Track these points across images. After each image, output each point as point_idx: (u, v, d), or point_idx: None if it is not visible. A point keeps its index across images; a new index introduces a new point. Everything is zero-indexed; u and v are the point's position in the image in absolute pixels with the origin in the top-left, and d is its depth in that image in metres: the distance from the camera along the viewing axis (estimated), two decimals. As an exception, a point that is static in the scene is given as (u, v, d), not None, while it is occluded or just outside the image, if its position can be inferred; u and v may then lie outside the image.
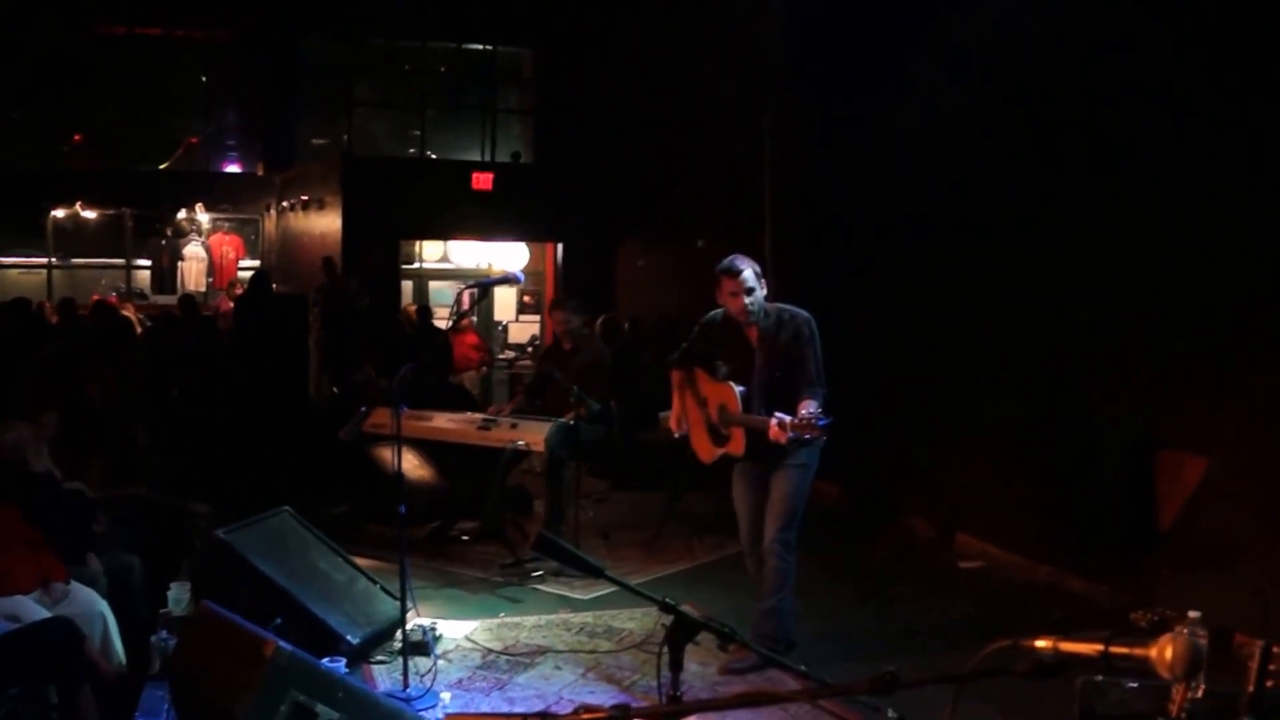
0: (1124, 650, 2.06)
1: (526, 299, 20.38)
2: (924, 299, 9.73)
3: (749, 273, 6.42)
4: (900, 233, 9.97)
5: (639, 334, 13.42)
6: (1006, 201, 8.74)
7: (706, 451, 6.82)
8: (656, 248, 17.51)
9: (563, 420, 8.66)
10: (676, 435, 7.04)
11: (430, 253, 21.26)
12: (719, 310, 6.68)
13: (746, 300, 6.41)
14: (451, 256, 21.18)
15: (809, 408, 6.03)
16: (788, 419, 5.93)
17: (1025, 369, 8.68)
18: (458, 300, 9.24)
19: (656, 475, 10.39)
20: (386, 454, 9.06)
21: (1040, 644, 2.20)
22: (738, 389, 6.48)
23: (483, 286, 7.21)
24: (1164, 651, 1.96)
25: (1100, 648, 2.10)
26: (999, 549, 8.90)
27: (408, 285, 20.26)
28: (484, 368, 16.93)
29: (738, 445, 6.54)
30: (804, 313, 6.51)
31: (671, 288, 15.68)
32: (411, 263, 20.81)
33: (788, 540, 6.46)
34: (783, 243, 12.01)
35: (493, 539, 9.10)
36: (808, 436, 5.98)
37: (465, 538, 9.40)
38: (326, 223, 18.78)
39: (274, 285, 16.71)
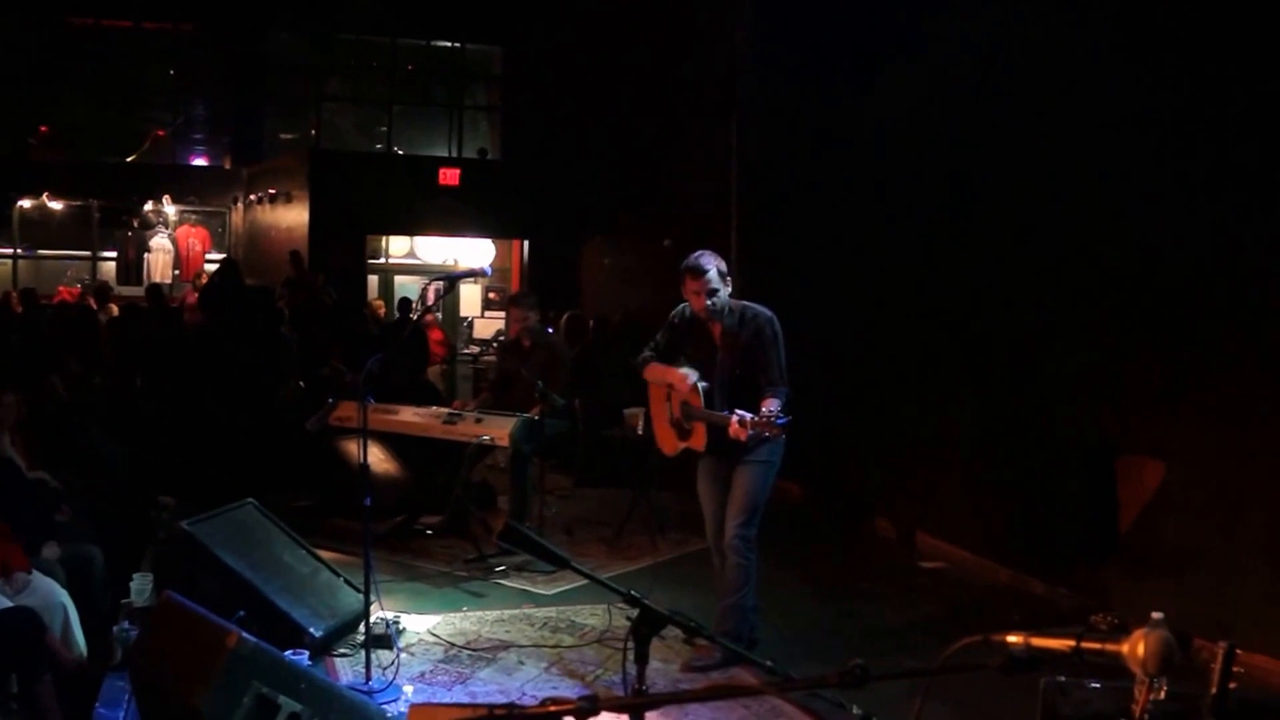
0: (1096, 645, 2.05)
1: (492, 295, 20.33)
2: (889, 299, 9.75)
3: (713, 273, 6.38)
4: (867, 233, 9.97)
5: (603, 333, 13.39)
6: (972, 203, 8.75)
7: (669, 445, 6.82)
8: (623, 247, 17.49)
9: (527, 415, 8.65)
10: (639, 433, 7.01)
11: (396, 248, 21.22)
12: (683, 305, 6.67)
13: (708, 302, 6.40)
14: (418, 252, 21.15)
15: (770, 406, 6.04)
16: (748, 416, 5.92)
17: (988, 371, 8.69)
18: (423, 294, 9.22)
19: (620, 472, 10.37)
20: (352, 447, 9.01)
21: (1012, 639, 2.19)
22: (701, 385, 6.47)
23: (451, 279, 7.21)
24: (1136, 647, 1.95)
25: (1072, 643, 2.09)
26: (960, 550, 8.90)
27: (373, 280, 20.21)
28: (444, 366, 16.87)
29: (699, 440, 6.53)
30: (767, 311, 6.50)
31: (637, 287, 15.66)
32: (378, 258, 20.76)
33: (748, 537, 6.43)
34: (750, 242, 12.02)
35: (456, 534, 9.09)
36: (766, 435, 5.97)
37: (429, 532, 9.34)
38: (293, 217, 18.70)
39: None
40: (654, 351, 6.83)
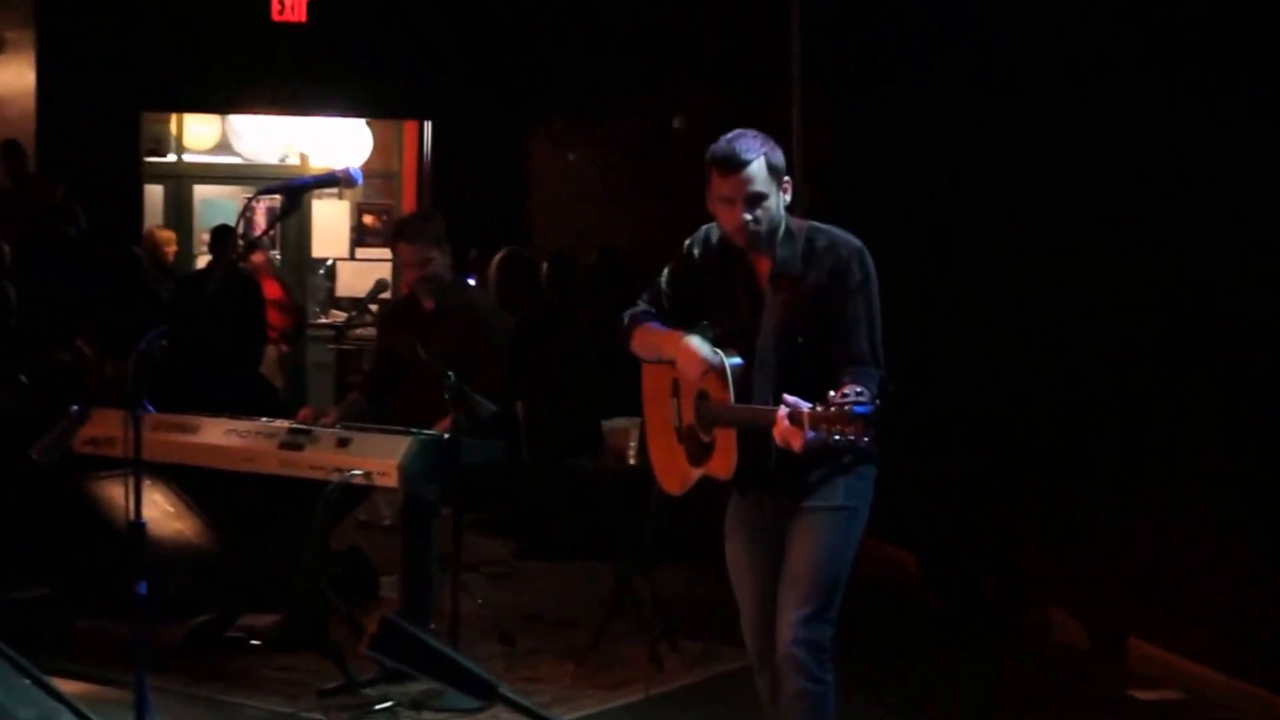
0: None
1: (369, 220, 20.36)
2: (1064, 243, 9.76)
3: (759, 165, 6.19)
4: (1023, 124, 9.95)
5: (566, 284, 13.41)
6: (1212, 95, 8.79)
7: (677, 475, 6.71)
8: (599, 133, 17.53)
9: (430, 433, 8.70)
10: (632, 462, 7.02)
11: (198, 136, 21.22)
12: (709, 227, 6.55)
13: (748, 216, 6.21)
14: (235, 143, 21.14)
15: (848, 391, 5.66)
16: (805, 406, 5.65)
17: (1248, 376, 8.71)
18: (247, 217, 9.29)
19: (596, 531, 10.41)
20: (117, 492, 9.06)
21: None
22: (730, 362, 6.29)
23: (290, 192, 7.18)
24: None
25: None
26: (1202, 667, 8.95)
27: (156, 192, 20.23)
28: (284, 345, 16.90)
29: (725, 460, 6.29)
30: (854, 240, 6.34)
31: (624, 202, 15.71)
32: (163, 153, 20.80)
33: (817, 641, 6.25)
34: (824, 115, 12.01)
35: (305, 644, 9.12)
36: (837, 437, 5.61)
37: (255, 642, 9.43)
38: (8, 80, 18.73)
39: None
40: (651, 305, 6.73)
